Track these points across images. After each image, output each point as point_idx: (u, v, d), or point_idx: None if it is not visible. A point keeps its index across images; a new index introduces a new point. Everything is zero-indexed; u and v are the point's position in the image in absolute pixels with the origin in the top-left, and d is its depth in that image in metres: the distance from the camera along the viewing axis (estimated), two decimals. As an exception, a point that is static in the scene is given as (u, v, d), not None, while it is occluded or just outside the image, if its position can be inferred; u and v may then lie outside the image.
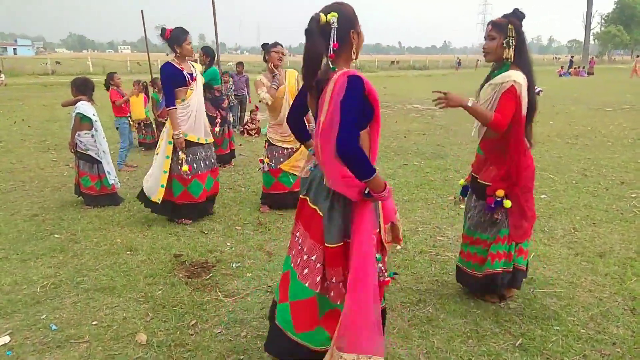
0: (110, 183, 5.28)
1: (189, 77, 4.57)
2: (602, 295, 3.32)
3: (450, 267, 3.76)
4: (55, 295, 3.37)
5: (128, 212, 5.14)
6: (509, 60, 2.84)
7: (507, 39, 2.81)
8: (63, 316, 3.11)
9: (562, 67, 34.16)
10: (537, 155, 7.79)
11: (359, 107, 2.03)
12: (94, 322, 3.03)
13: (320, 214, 2.19)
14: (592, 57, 42.98)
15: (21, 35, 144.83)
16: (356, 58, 2.19)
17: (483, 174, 3.08)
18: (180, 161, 4.55)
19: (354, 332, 2.11)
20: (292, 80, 4.97)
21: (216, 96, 6.94)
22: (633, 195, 5.59)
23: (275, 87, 4.82)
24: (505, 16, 2.85)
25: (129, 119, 7.43)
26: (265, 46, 4.97)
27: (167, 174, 4.59)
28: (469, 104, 2.81)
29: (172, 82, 4.49)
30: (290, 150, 5.01)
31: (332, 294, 2.24)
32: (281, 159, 5.01)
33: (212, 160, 4.90)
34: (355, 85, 2.01)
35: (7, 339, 2.84)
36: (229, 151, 7.39)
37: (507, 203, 2.95)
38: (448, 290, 3.40)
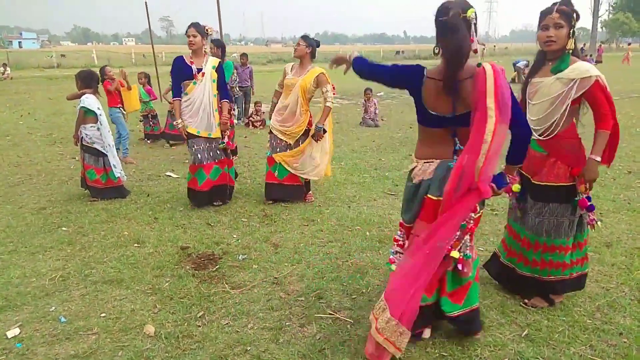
0: (117, 176, 5.30)
1: (197, 71, 4.67)
2: (609, 286, 3.31)
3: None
4: (63, 288, 3.41)
5: (135, 204, 5.17)
6: (569, 51, 2.74)
7: (572, 28, 2.71)
8: (72, 308, 3.14)
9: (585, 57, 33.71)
10: (544, 145, 7.73)
11: None
12: (102, 314, 3.06)
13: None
14: (600, 45, 42.44)
15: (26, 28, 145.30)
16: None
17: (543, 175, 2.89)
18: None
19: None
20: (308, 78, 4.81)
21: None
22: (640, 185, 5.55)
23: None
24: (568, 4, 2.73)
25: (121, 109, 7.38)
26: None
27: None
28: (597, 159, 2.82)
29: (175, 74, 4.74)
30: (286, 144, 4.97)
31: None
32: (277, 149, 4.99)
33: (218, 152, 4.94)
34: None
35: (17, 331, 2.88)
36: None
37: (516, 187, 2.75)
38: (454, 281, 3.39)
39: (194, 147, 4.80)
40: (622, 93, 14.90)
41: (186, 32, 4.64)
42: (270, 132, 5.06)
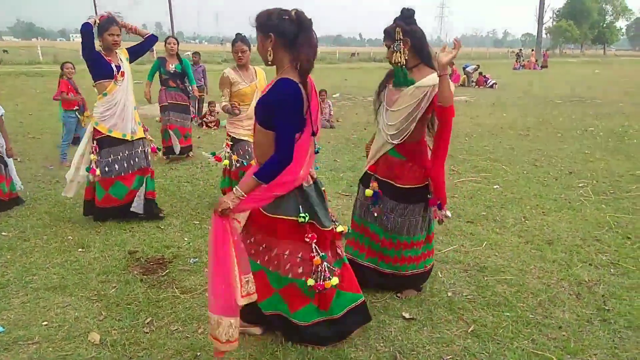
0: (17, 188, 5.07)
1: (116, 70, 4.32)
2: (550, 282, 3.47)
3: (407, 257, 3.84)
4: (2, 296, 3.24)
5: (80, 207, 4.97)
6: (400, 64, 2.80)
7: (394, 43, 2.80)
8: (11, 317, 2.99)
9: (517, 62, 35.15)
10: (491, 146, 8.05)
11: None
12: (44, 323, 2.93)
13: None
14: (546, 51, 44.37)
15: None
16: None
17: (405, 178, 2.99)
18: (90, 162, 4.40)
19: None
20: (262, 79, 4.65)
21: (185, 86, 7.04)
22: (580, 185, 5.84)
23: (233, 106, 4.50)
24: (400, 20, 2.82)
25: (77, 113, 7.06)
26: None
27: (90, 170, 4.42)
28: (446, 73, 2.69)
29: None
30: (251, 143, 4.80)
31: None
32: (247, 156, 4.66)
33: (141, 159, 4.57)
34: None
35: (-51, 343, 2.71)
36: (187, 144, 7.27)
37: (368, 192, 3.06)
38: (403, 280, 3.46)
39: (110, 157, 4.42)
40: (563, 97, 15.64)
41: (107, 29, 4.26)
42: (236, 142, 4.67)
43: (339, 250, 2.69)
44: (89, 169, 4.39)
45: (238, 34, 4.60)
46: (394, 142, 2.95)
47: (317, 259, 2.50)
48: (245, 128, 4.67)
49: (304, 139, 2.41)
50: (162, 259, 3.80)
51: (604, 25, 72.87)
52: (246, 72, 4.63)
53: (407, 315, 3.01)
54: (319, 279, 2.51)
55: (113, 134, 4.37)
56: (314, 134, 2.47)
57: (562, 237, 4.28)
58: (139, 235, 4.28)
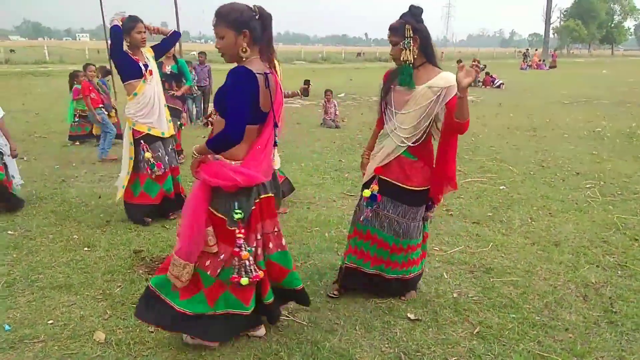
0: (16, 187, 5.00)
1: (144, 68, 4.33)
2: (557, 283, 3.44)
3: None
4: (8, 295, 3.25)
5: (86, 206, 5.00)
6: (408, 62, 2.75)
7: (404, 40, 2.73)
8: (17, 316, 3.00)
9: (524, 62, 35.03)
10: (497, 147, 8.01)
11: None
12: (50, 321, 2.94)
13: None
14: (554, 51, 44.18)
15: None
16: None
17: (416, 179, 2.92)
18: (146, 160, 4.36)
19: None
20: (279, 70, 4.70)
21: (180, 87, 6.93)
22: (587, 186, 5.80)
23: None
24: (406, 16, 2.76)
25: (103, 109, 7.21)
26: None
27: (130, 174, 4.42)
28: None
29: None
30: None
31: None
32: None
33: (172, 158, 4.65)
34: None
35: (-45, 341, 2.73)
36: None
37: (366, 193, 3.01)
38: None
39: (155, 154, 4.45)
40: (570, 98, 15.56)
41: (133, 28, 4.26)
42: None
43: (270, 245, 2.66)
44: (153, 166, 4.39)
45: None
46: (409, 144, 2.87)
47: (244, 254, 2.47)
48: None
49: (266, 132, 2.47)
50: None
51: (612, 25, 72.48)
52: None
53: (412, 316, 3.00)
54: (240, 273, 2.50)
55: (152, 132, 4.40)
56: (276, 125, 2.50)
57: (569, 238, 4.25)
58: (144, 234, 4.29)
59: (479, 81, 20.34)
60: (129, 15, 4.32)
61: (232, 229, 2.45)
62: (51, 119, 10.48)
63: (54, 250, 3.95)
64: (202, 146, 2.42)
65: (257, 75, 2.31)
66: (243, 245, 2.47)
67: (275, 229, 2.65)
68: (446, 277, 3.53)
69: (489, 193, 5.53)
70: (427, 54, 2.81)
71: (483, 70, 20.65)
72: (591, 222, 4.64)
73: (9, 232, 4.32)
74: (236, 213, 2.43)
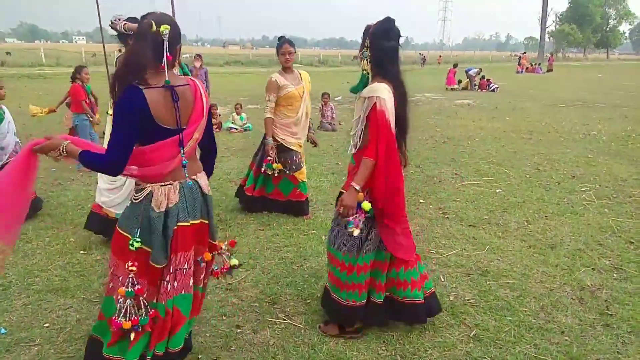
0: None
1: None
2: (553, 286, 3.46)
3: (409, 261, 3.83)
4: (4, 298, 3.24)
5: (82, 210, 4.98)
6: (365, 72, 2.72)
7: (362, 51, 2.71)
8: (13, 319, 2.99)
9: (519, 65, 35.17)
10: (493, 150, 8.03)
11: None
12: (46, 325, 2.93)
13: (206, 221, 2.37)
14: (551, 55, 44.38)
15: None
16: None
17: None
18: None
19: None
20: (307, 82, 4.61)
21: None
22: (583, 189, 5.83)
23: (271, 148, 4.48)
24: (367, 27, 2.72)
25: (88, 116, 7.11)
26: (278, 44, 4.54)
27: None
28: (356, 187, 2.60)
29: None
30: (299, 154, 4.69)
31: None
32: (301, 165, 4.70)
33: None
34: None
35: (-49, 344, 2.72)
36: None
37: (366, 205, 2.64)
38: (406, 284, 3.45)
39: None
40: (567, 101, 15.63)
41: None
42: (284, 150, 4.58)
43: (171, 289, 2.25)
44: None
45: (282, 37, 4.53)
46: (353, 150, 2.81)
47: (121, 290, 2.17)
48: (294, 136, 4.60)
49: (163, 149, 2.13)
50: (164, 262, 3.79)
51: (607, 29, 72.92)
52: (292, 75, 4.55)
53: (409, 319, 3.00)
54: (119, 315, 2.19)
55: None
56: (181, 144, 2.15)
57: (565, 241, 4.26)
58: (141, 237, 4.27)
59: (474, 85, 20.41)
60: (130, 17, 4.26)
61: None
62: (47, 122, 10.43)
63: (50, 253, 3.94)
64: (74, 150, 2.10)
65: (142, 91, 2.03)
66: (129, 281, 2.18)
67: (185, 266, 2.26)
68: (442, 280, 3.53)
69: (485, 196, 5.55)
70: (377, 66, 2.70)
71: (478, 74, 20.74)
72: (587, 225, 4.66)
73: (5, 235, 4.30)
74: (135, 241, 2.15)
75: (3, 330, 2.85)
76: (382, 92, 2.58)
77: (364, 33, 2.73)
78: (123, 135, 2.04)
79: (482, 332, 2.88)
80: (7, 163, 4.60)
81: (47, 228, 4.47)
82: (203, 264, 2.39)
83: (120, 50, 4.33)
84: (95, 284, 3.43)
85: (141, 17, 2.12)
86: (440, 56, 51.32)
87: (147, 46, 2.02)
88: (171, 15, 6.56)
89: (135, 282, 2.19)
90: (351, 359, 2.63)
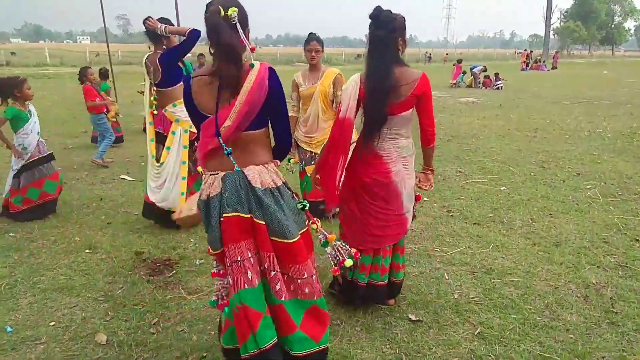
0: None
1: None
2: (557, 284, 3.45)
3: (413, 258, 3.83)
4: (10, 296, 3.26)
5: (87, 208, 5.01)
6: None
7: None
8: (19, 317, 3.01)
9: (524, 63, 35.03)
10: (498, 148, 8.01)
11: None
12: (52, 323, 2.95)
13: (262, 221, 2.09)
14: (556, 52, 44.19)
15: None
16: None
17: None
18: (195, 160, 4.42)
19: None
20: (326, 81, 4.45)
21: None
22: (588, 187, 5.80)
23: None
24: None
25: (106, 114, 7.25)
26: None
27: (186, 179, 4.39)
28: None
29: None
30: (312, 154, 4.60)
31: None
32: (303, 162, 4.63)
33: None
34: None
35: (-43, 343, 2.74)
36: None
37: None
38: (410, 282, 3.45)
39: None
40: (572, 98, 15.56)
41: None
42: (298, 146, 4.67)
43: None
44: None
45: (312, 34, 4.45)
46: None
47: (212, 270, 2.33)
48: (304, 134, 4.59)
49: (202, 135, 2.13)
50: (169, 261, 3.81)
51: (612, 26, 72.53)
52: (314, 74, 4.49)
53: (413, 317, 3.00)
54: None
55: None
56: (218, 134, 2.06)
57: (570, 239, 4.25)
58: (146, 236, 4.30)
59: (479, 82, 20.36)
60: (163, 18, 4.31)
61: None
62: (51, 121, 10.50)
63: (55, 252, 3.96)
64: None
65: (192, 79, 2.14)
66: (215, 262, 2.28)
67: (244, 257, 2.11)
68: (447, 278, 3.53)
69: (489, 194, 5.53)
70: (367, 52, 2.77)
71: (484, 72, 20.67)
72: (592, 222, 4.64)
73: (11, 234, 4.33)
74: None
75: (9, 329, 2.87)
76: (348, 83, 2.82)
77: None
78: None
79: (486, 330, 2.87)
80: (29, 162, 4.69)
81: (52, 227, 4.50)
82: (274, 273, 2.14)
83: (150, 48, 4.40)
84: (100, 282, 3.45)
85: (207, 5, 2.09)
86: (446, 54, 51.27)
87: (228, 30, 1.99)
88: (176, 15, 6.55)
89: (218, 264, 2.27)
90: (355, 357, 2.63)
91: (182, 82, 4.26)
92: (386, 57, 2.69)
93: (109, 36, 8.28)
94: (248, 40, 2.08)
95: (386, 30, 2.65)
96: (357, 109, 2.81)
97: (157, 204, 4.38)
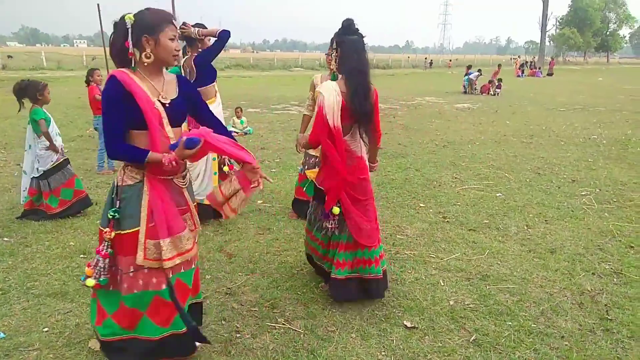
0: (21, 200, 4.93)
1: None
2: (553, 291, 3.45)
3: (409, 265, 3.83)
4: (4, 302, 3.24)
5: (82, 213, 4.98)
6: (333, 71, 3.11)
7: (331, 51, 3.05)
8: (12, 323, 2.99)
9: (520, 69, 35.19)
10: (494, 154, 8.03)
11: (112, 106, 2.21)
12: (45, 329, 2.92)
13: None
14: (552, 58, 44.40)
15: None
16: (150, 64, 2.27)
17: (325, 180, 3.10)
18: (226, 159, 4.61)
19: None
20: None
21: None
22: (583, 193, 5.82)
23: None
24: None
25: None
26: None
27: (217, 174, 4.60)
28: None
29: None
30: (317, 159, 4.53)
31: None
32: (306, 167, 4.68)
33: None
34: (107, 86, 2.22)
35: (-50, 349, 2.71)
36: None
37: (336, 210, 3.02)
38: (406, 288, 3.46)
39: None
40: (567, 105, 15.65)
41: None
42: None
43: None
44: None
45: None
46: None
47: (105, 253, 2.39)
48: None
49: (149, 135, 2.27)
50: (164, 266, 3.78)
51: (607, 33, 72.93)
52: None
53: (408, 324, 3.00)
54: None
55: None
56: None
57: (565, 245, 4.26)
58: (141, 241, 4.27)
59: (475, 88, 20.43)
60: (198, 23, 4.47)
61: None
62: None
63: (49, 257, 3.94)
64: None
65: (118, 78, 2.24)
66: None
67: None
68: (442, 284, 3.53)
69: (485, 200, 5.55)
70: (342, 64, 2.99)
71: (479, 77, 20.74)
72: (587, 229, 4.66)
73: (5, 238, 4.30)
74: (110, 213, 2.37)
75: (2, 335, 2.84)
76: (324, 89, 2.93)
77: (332, 39, 3.05)
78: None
79: (481, 337, 2.87)
80: (57, 164, 4.83)
81: (46, 232, 4.47)
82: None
83: (188, 53, 4.54)
84: (94, 288, 3.42)
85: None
86: (450, 60, 51.88)
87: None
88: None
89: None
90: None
91: (214, 82, 4.51)
92: (367, 70, 2.96)
93: (105, 40, 8.23)
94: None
95: (359, 37, 2.98)
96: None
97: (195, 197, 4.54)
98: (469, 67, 21.87)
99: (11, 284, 3.48)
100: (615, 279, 3.63)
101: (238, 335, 2.88)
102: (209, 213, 4.63)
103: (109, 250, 2.38)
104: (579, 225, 4.76)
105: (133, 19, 2.21)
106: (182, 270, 2.46)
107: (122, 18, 2.23)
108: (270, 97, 17.19)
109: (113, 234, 2.36)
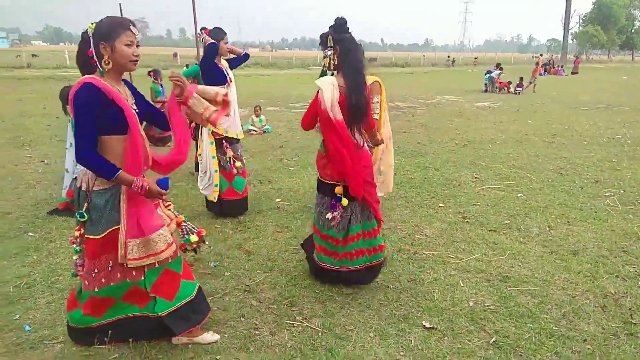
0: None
1: (227, 74, 4.68)
2: (575, 293, 3.40)
3: (428, 265, 3.81)
4: (29, 295, 3.32)
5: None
6: (325, 68, 3.17)
7: (326, 50, 3.11)
8: (37, 316, 3.06)
9: (543, 67, 34.63)
10: (515, 153, 7.92)
11: (89, 112, 2.26)
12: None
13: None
14: (577, 57, 43.62)
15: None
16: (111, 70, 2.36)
17: (330, 173, 3.23)
18: (229, 159, 4.71)
19: None
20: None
21: None
22: (607, 194, 5.71)
23: None
24: (329, 28, 3.12)
25: None
26: None
27: (219, 172, 4.72)
28: None
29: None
30: None
31: None
32: None
33: (242, 159, 4.97)
34: (79, 94, 2.26)
35: (-22, 340, 2.79)
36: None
37: (344, 201, 3.16)
38: (425, 288, 3.44)
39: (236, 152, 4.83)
40: (590, 104, 15.35)
41: (222, 38, 4.58)
42: None
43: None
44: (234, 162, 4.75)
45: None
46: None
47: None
48: None
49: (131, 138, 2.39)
50: (184, 262, 3.83)
51: (632, 30, 71.30)
52: None
53: (427, 325, 2.98)
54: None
55: (229, 134, 4.69)
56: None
57: (588, 247, 4.19)
58: (162, 238, 4.33)
59: (495, 87, 20.19)
60: (216, 28, 4.65)
61: None
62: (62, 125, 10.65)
63: (73, 252, 4.00)
64: None
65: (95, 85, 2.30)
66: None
67: None
68: (462, 285, 3.50)
69: (506, 200, 5.48)
70: (342, 61, 3.08)
71: (501, 74, 20.48)
72: (610, 231, 4.57)
73: (30, 234, 4.40)
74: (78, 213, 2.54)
75: (28, 328, 2.92)
76: (322, 83, 3.03)
77: (324, 36, 3.12)
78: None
79: (502, 339, 2.84)
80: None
81: (70, 228, 4.55)
82: None
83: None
84: (116, 283, 3.48)
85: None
86: (476, 58, 51.62)
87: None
88: (194, 19, 6.63)
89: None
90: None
91: (221, 84, 4.58)
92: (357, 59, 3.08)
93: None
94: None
95: (351, 35, 3.10)
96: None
97: (201, 191, 4.87)
98: (498, 65, 21.50)
99: (36, 278, 3.56)
100: (639, 282, 3.56)
101: (257, 332, 2.90)
102: (215, 208, 4.87)
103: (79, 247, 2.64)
104: (603, 227, 4.67)
105: (93, 27, 2.31)
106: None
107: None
108: (289, 96, 17.24)
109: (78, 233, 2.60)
